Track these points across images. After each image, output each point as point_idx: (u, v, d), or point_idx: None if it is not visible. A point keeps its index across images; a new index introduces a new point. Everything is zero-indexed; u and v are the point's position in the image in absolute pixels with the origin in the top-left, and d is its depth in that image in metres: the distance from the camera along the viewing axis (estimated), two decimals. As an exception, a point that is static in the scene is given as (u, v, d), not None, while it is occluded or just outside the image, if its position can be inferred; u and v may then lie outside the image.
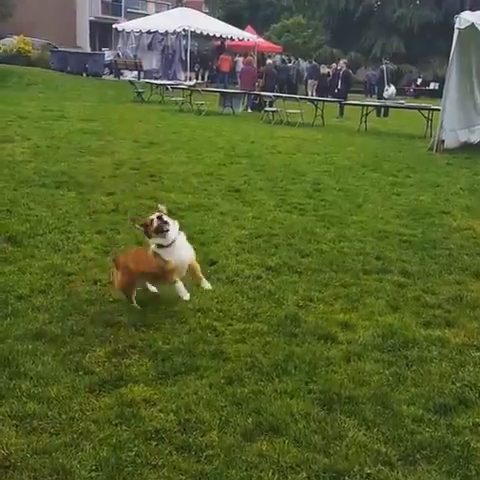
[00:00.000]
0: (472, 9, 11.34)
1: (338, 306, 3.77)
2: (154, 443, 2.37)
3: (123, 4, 38.29)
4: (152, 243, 3.42)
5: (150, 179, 7.03)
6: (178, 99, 15.92)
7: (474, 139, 11.60)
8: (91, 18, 36.17)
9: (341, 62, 19.75)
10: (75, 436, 2.39)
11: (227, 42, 27.31)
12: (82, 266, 4.16)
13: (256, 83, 18.55)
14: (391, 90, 19.93)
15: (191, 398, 2.67)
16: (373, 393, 2.78)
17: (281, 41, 32.02)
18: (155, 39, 25.16)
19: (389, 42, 35.29)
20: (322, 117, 14.37)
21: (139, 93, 17.46)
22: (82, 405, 2.58)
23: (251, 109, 17.37)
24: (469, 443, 2.46)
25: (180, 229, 3.50)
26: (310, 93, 22.70)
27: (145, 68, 24.41)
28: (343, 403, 2.69)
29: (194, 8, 28.57)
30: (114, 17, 35.06)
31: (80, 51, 28.84)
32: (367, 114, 13.99)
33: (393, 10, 35.46)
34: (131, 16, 33.48)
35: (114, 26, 26.91)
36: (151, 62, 25.11)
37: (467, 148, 10.97)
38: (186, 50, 24.25)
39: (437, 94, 19.79)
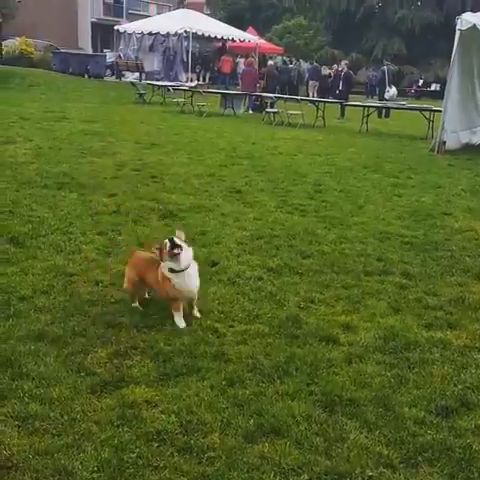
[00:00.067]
0: (474, 10, 11.35)
1: (339, 308, 3.77)
2: (156, 444, 2.37)
3: (125, 5, 38.43)
4: (164, 266, 3.36)
5: (151, 180, 7.04)
6: (179, 100, 15.94)
7: (476, 140, 11.60)
8: (93, 19, 36.26)
9: (342, 63, 19.75)
10: (77, 437, 2.39)
11: (228, 43, 27.33)
12: (84, 267, 4.16)
13: (257, 84, 18.56)
14: (392, 91, 19.94)
15: (192, 399, 2.67)
16: (375, 395, 2.78)
17: (282, 42, 32.06)
18: (156, 40, 25.21)
19: (390, 43, 35.27)
20: (323, 118, 14.38)
21: (140, 94, 17.49)
22: (84, 406, 2.59)
23: (252, 110, 17.37)
24: (471, 445, 2.46)
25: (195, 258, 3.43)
26: (311, 94, 22.72)
27: (146, 69, 24.46)
28: (345, 405, 2.69)
29: (195, 9, 28.62)
30: (116, 18, 35.20)
31: (82, 52, 28.93)
32: (368, 115, 14.00)
33: (394, 11, 35.43)
34: (133, 17, 33.60)
35: (116, 27, 26.95)
36: (152, 63, 25.16)
37: (469, 149, 10.97)
38: (187, 51, 24.28)
39: (438, 95, 19.80)
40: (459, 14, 10.50)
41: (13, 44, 24.45)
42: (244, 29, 28.08)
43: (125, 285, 3.66)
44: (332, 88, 19.44)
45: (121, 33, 26.16)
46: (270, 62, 22.34)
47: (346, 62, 20.15)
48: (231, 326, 3.43)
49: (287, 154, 9.69)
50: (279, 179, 7.57)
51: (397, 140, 12.56)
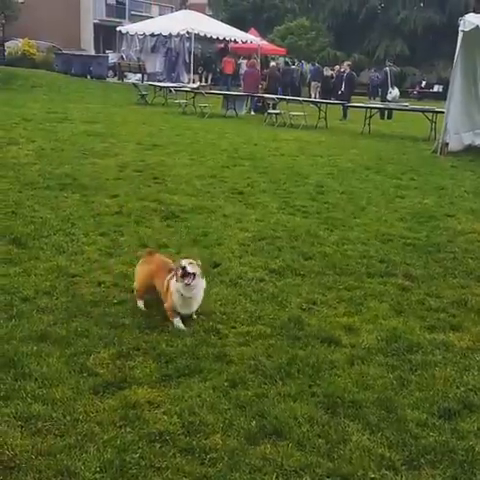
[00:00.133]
0: (476, 11, 11.34)
1: (342, 309, 3.77)
2: (158, 445, 2.38)
3: (127, 7, 38.46)
4: (174, 284, 3.36)
5: (154, 181, 7.05)
6: (181, 101, 15.96)
7: (478, 142, 11.58)
8: (95, 21, 36.30)
9: (345, 64, 19.76)
10: (79, 438, 2.39)
11: (230, 44, 27.35)
12: (86, 268, 4.17)
13: (259, 85, 18.56)
14: (395, 92, 19.91)
15: (195, 401, 2.67)
16: (377, 397, 2.78)
17: (285, 43, 32.07)
18: (159, 42, 25.22)
19: (393, 44, 35.25)
20: (325, 119, 14.39)
21: (143, 95, 17.51)
22: (86, 407, 2.59)
23: (254, 111, 17.38)
24: (474, 448, 2.45)
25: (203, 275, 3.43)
26: (313, 95, 22.72)
27: (149, 71, 24.48)
28: (347, 407, 2.69)
29: (198, 11, 28.62)
30: (118, 20, 35.26)
31: (84, 54, 28.98)
32: (371, 116, 13.99)
33: (397, 12, 35.41)
34: (135, 19, 33.63)
35: (118, 29, 26.99)
36: (155, 64, 25.16)
37: (471, 151, 10.95)
38: (190, 52, 24.28)
39: (441, 96, 19.81)
40: (462, 15, 10.48)
41: (16, 45, 24.55)
42: (246, 30, 28.08)
43: (135, 284, 3.66)
44: (334, 89, 19.43)
45: (123, 34, 26.19)
46: (272, 63, 22.37)
47: (348, 63, 20.15)
48: (233, 327, 3.43)
49: (289, 155, 9.69)
50: (281, 180, 7.57)
51: (399, 141, 12.56)
